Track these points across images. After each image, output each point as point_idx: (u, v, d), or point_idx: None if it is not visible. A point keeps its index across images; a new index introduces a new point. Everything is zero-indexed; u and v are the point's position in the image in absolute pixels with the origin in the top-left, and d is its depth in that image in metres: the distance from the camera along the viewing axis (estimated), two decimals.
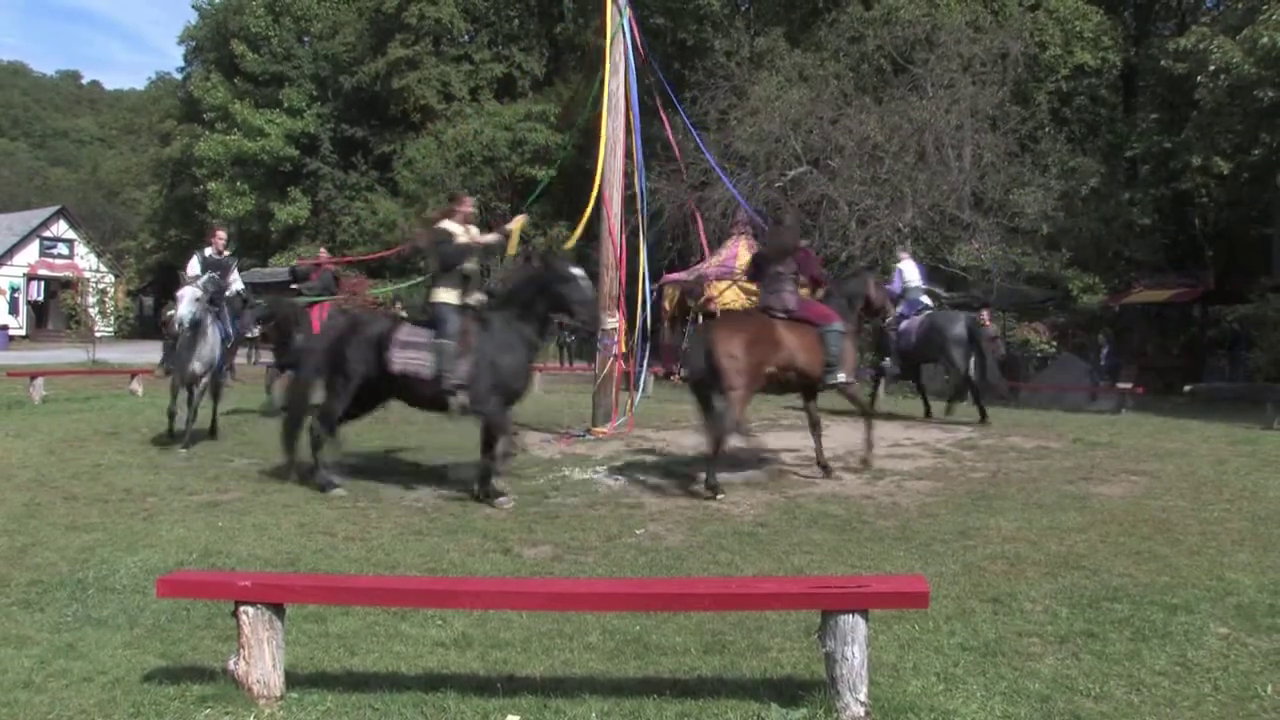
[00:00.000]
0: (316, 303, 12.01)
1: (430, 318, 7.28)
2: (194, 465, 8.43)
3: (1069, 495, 7.16)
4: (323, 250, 17.43)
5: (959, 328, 11.67)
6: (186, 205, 45.69)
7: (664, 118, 12.15)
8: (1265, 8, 15.90)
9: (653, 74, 11.55)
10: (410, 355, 7.10)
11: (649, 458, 8.93)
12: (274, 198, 39.39)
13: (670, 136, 12.80)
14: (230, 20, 42.41)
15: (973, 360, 11.60)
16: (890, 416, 12.10)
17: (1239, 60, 15.91)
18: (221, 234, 10.58)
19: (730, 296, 19.23)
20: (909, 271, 12.77)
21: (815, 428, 8.13)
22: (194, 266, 9.76)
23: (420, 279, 32.75)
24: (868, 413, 8.69)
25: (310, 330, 10.62)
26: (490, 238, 7.94)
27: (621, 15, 10.67)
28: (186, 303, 9.12)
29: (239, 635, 3.44)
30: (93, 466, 8.25)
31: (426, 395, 7.17)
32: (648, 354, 12.58)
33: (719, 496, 7.05)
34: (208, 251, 10.03)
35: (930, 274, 22.17)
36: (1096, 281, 22.60)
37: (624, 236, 11.20)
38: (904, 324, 12.28)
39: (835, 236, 20.69)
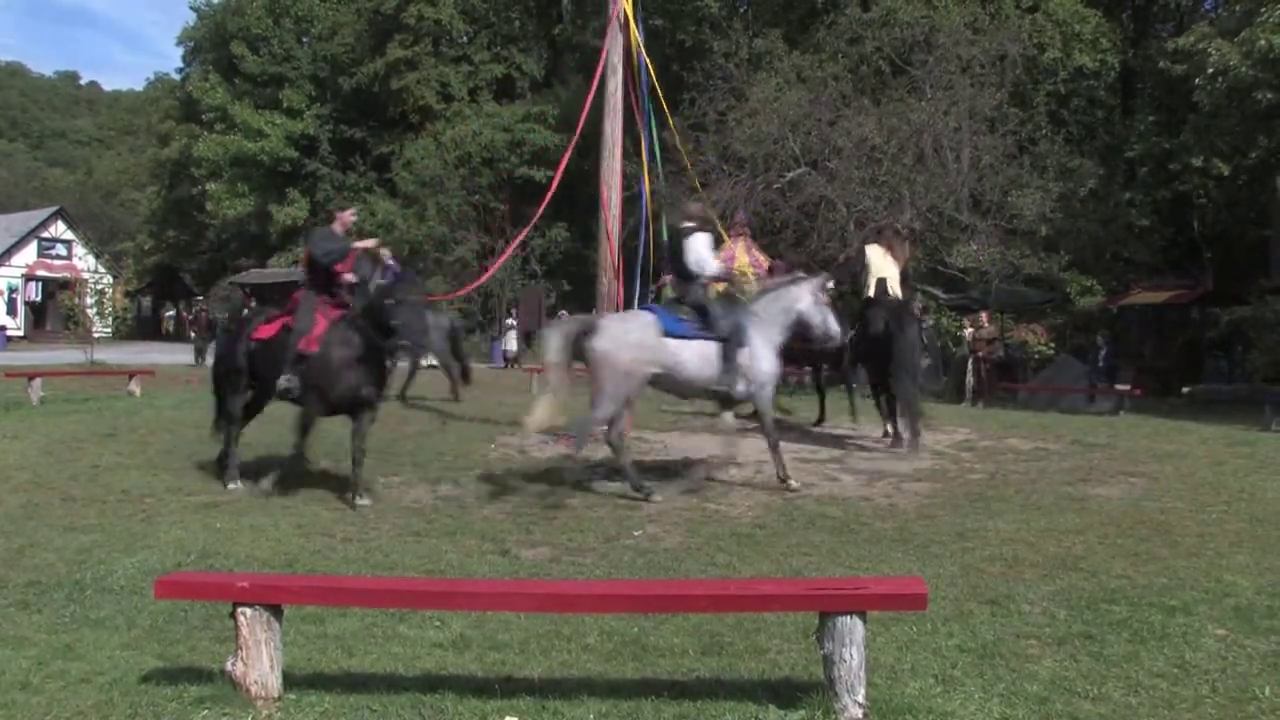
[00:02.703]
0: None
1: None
2: (191, 466, 8.38)
3: (1067, 497, 7.16)
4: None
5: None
6: (185, 206, 45.73)
7: (665, 117, 12.14)
8: (1263, 10, 15.92)
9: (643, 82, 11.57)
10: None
11: (647, 459, 8.92)
12: (273, 199, 39.38)
13: (674, 135, 12.81)
14: (229, 21, 42.44)
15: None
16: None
17: (1236, 62, 15.93)
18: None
19: None
20: None
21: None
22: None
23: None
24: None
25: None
26: None
27: (638, 29, 10.71)
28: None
29: (237, 636, 3.44)
30: (90, 467, 8.22)
31: None
32: None
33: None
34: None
35: (930, 276, 22.30)
36: (1095, 283, 22.60)
37: (623, 237, 11.19)
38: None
39: (834, 238, 20.69)
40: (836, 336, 7.82)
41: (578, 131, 10.66)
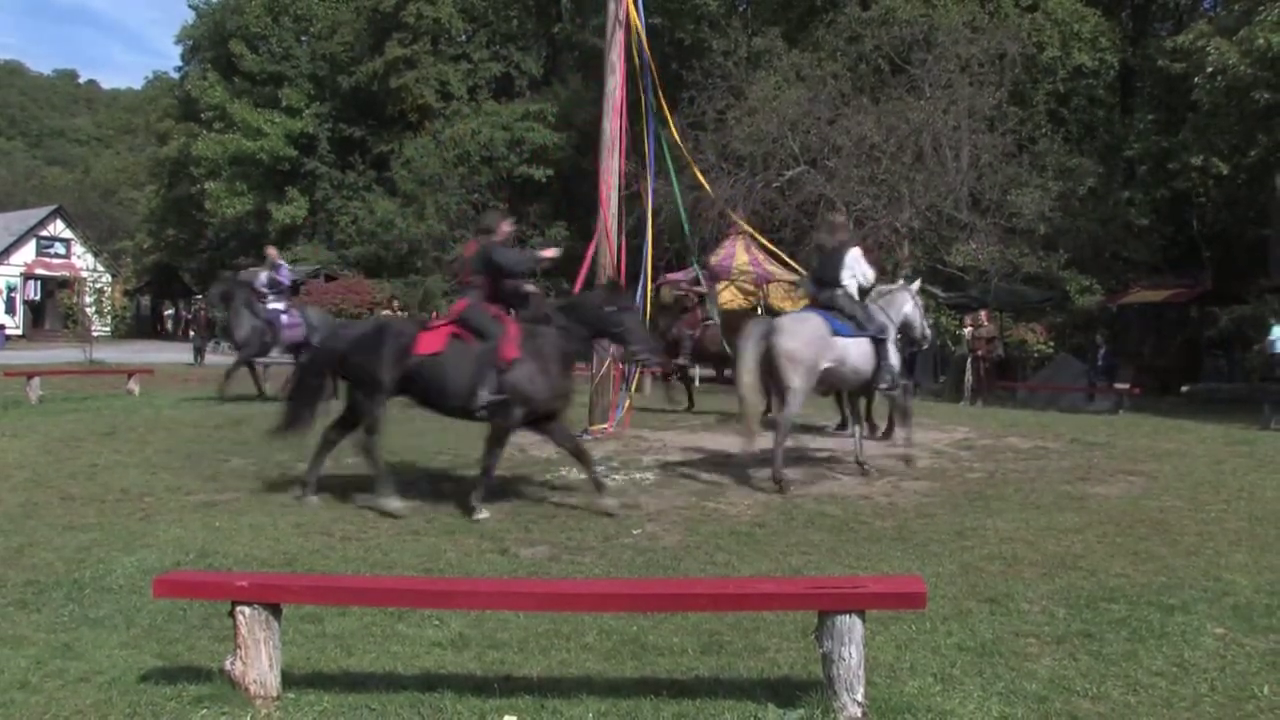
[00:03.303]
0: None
1: None
2: (190, 465, 8.37)
3: (1066, 495, 7.17)
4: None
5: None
6: (184, 205, 45.66)
7: (667, 115, 12.11)
8: (1261, 9, 15.93)
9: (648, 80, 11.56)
10: None
11: (646, 457, 8.93)
12: (271, 197, 39.34)
13: (673, 133, 12.78)
14: (228, 20, 42.37)
15: None
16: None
17: (1235, 61, 15.94)
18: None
19: (727, 296, 19.22)
20: None
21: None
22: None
23: (417, 278, 32.88)
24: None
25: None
26: None
27: (641, 33, 10.69)
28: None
29: (236, 635, 3.44)
30: (89, 466, 8.22)
31: None
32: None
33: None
34: None
35: (929, 274, 22.31)
36: (1094, 282, 22.63)
37: (622, 237, 11.18)
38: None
39: None
40: (930, 339, 8.65)
41: (620, 136, 10.59)
